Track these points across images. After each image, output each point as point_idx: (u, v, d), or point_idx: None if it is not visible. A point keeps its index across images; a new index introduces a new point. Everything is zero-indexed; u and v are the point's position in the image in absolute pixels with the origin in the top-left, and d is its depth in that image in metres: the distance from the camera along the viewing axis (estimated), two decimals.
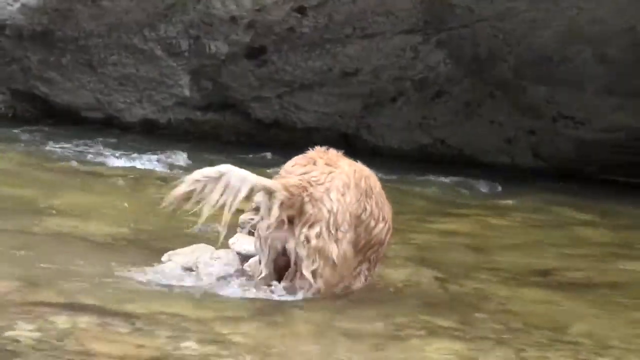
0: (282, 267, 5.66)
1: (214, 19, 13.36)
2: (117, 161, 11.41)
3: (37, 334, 4.53)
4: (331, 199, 5.55)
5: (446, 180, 12.57)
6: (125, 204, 8.58)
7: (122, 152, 11.95)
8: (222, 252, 6.34)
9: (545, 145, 14.11)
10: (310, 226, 5.50)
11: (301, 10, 13.30)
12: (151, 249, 6.99)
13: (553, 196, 11.75)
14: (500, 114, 13.94)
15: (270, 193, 5.48)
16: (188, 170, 10.97)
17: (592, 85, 13.26)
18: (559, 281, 7.26)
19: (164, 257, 6.37)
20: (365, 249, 5.94)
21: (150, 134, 13.45)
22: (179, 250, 6.41)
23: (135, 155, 11.62)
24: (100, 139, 12.86)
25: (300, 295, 5.59)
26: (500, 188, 12.42)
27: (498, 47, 13.34)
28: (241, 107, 14.36)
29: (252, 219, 6.46)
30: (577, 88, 13.33)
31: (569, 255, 8.41)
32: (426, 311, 5.77)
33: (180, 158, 11.86)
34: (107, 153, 11.85)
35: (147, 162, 11.79)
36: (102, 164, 11.22)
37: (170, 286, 5.87)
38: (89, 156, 11.57)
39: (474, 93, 13.88)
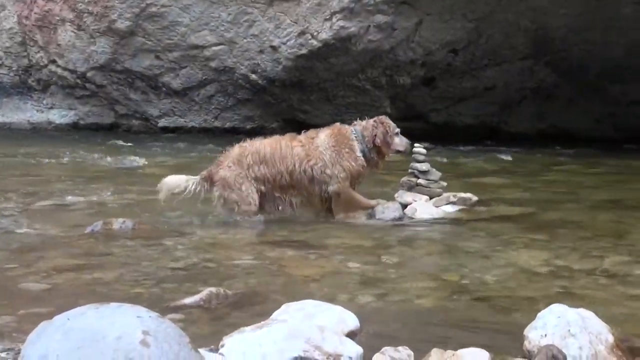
0: None
1: (400, 62, 15.56)
2: None
3: (254, 262, 5.12)
4: None
5: (554, 149, 13.99)
6: None
7: None
8: (390, 203, 7.03)
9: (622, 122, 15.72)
10: None
11: (454, 51, 15.48)
12: None
13: (626, 153, 12.99)
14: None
15: None
16: None
17: None
18: (625, 206, 7.83)
19: None
20: None
21: None
22: None
23: None
24: None
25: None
26: (590, 151, 13.64)
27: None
28: (422, 116, 16.58)
29: (410, 180, 7.25)
30: None
31: (633, 188, 9.27)
32: (524, 231, 6.26)
33: None
34: None
35: None
36: None
37: (355, 225, 6.66)
38: None
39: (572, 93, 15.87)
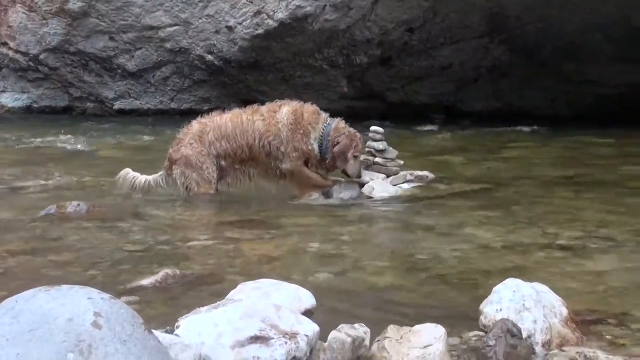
0: None
1: (357, 42, 15.47)
2: None
3: (211, 242, 5.08)
4: None
5: (511, 128, 14.03)
6: None
7: None
8: (347, 182, 6.98)
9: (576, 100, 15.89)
10: None
11: (410, 30, 15.42)
12: None
13: (581, 130, 12.92)
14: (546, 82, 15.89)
15: None
16: None
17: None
18: (578, 182, 7.97)
19: None
20: None
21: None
22: None
23: None
24: None
25: None
26: (546, 129, 13.74)
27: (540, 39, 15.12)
28: (379, 95, 16.55)
29: (367, 159, 7.15)
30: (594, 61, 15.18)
31: (587, 165, 9.36)
32: (481, 208, 6.33)
33: None
34: None
35: None
36: None
37: (312, 206, 6.65)
38: None
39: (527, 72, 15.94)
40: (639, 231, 5.48)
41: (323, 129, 6.73)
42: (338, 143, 6.67)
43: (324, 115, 6.89)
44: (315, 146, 6.73)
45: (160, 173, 6.92)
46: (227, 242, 5.16)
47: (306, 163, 6.84)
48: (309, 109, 6.85)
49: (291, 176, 6.81)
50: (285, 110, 6.74)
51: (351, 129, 6.86)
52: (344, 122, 6.91)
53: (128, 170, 6.94)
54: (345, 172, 6.87)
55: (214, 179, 6.77)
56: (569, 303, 3.23)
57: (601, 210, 6.29)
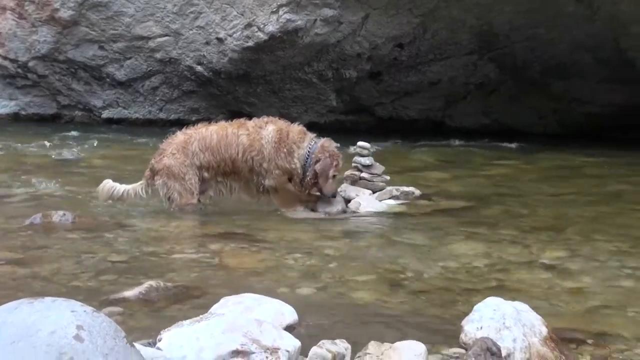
0: None
1: (347, 56, 15.70)
2: None
3: (195, 254, 5.08)
4: None
5: (499, 144, 14.20)
6: None
7: None
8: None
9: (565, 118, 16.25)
10: None
11: (400, 45, 15.68)
12: None
13: (569, 148, 13.14)
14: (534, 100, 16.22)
15: None
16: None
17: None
18: (564, 199, 8.07)
19: None
20: None
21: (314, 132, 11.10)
22: None
23: None
24: None
25: None
26: (531, 147, 13.70)
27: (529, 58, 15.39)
28: (368, 110, 16.78)
29: (354, 174, 7.29)
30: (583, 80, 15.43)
31: (573, 183, 9.52)
32: (465, 224, 6.35)
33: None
34: None
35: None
36: None
37: (298, 219, 6.62)
38: None
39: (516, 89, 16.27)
40: (622, 250, 5.50)
41: (309, 148, 6.71)
42: (319, 160, 6.65)
43: (311, 135, 6.87)
44: (299, 164, 6.73)
45: (140, 182, 6.88)
46: (212, 254, 5.15)
47: (289, 180, 6.84)
48: (295, 128, 6.82)
49: (275, 192, 6.81)
50: (270, 128, 6.72)
51: (335, 149, 6.83)
52: (332, 142, 6.87)
53: (107, 180, 6.92)
54: (320, 191, 6.80)
55: (196, 189, 6.75)
56: (550, 322, 3.25)
57: (586, 229, 6.32)
